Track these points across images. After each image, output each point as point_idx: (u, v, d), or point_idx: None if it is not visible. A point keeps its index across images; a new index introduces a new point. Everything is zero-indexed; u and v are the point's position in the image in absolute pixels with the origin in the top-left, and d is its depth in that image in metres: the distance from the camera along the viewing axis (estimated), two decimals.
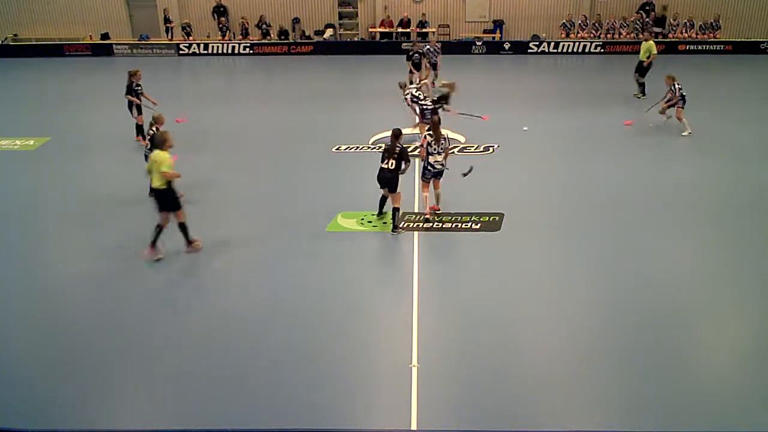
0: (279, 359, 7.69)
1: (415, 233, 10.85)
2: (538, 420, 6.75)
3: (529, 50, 25.83)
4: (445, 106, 14.63)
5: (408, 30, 26.82)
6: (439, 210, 11.45)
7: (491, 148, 14.68)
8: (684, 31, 25.57)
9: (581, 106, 18.26)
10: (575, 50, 25.62)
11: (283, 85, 23.51)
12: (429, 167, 11.11)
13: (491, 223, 11.20)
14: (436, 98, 14.64)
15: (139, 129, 15.47)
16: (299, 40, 27.34)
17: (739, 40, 25.23)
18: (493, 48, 26.03)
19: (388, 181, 10.86)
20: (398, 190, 10.87)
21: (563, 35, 25.84)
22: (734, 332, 8.44)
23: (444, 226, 11.08)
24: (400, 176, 10.83)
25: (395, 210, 10.90)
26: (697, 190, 12.59)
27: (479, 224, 11.13)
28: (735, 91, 20.31)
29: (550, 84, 21.85)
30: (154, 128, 11.93)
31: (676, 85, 15.42)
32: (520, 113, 17.49)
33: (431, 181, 11.29)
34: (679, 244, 10.46)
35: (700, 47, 25.19)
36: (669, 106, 15.65)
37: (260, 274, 9.71)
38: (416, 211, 11.63)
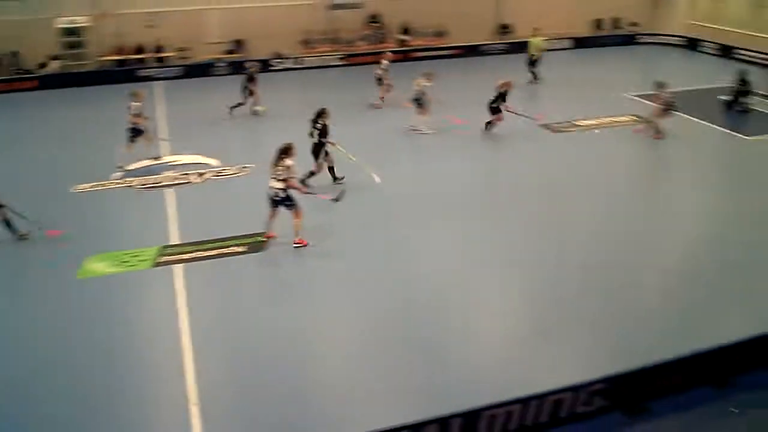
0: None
1: (177, 266, 10.24)
2: None
3: (272, 68, 25.95)
4: (502, 104, 15.83)
5: (144, 56, 25.51)
6: (304, 243, 10.70)
7: (246, 169, 14.38)
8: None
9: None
10: (318, 64, 26.28)
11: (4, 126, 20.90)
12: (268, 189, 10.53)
13: (256, 244, 10.93)
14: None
15: None
16: (17, 76, 24.61)
17: (467, 44, 27.72)
18: (238, 68, 25.75)
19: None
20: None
21: (304, 51, 26.36)
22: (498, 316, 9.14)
23: (208, 254, 10.59)
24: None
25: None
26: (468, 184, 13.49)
27: (244, 246, 10.81)
28: (466, 90, 22.03)
29: (301, 97, 22.11)
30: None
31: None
32: (275, 130, 17.40)
33: (275, 210, 10.67)
34: (441, 237, 11.14)
35: (432, 53, 27.21)
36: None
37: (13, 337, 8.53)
38: (175, 242, 11.00)
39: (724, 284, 9.54)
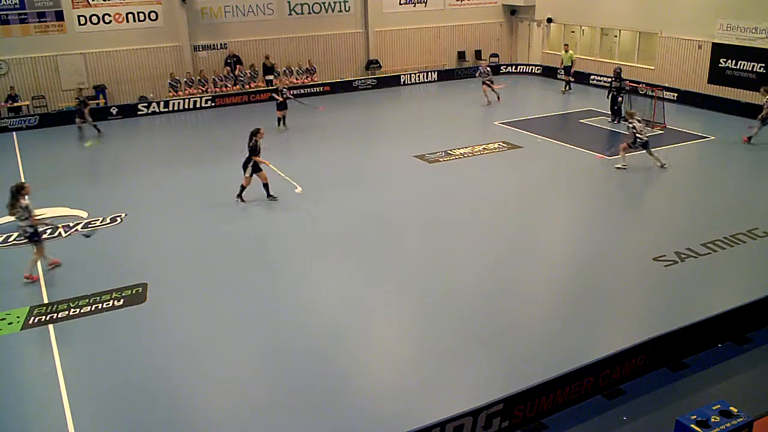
0: None
1: (50, 326, 9.73)
2: None
3: (138, 112, 25.25)
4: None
5: None
6: (35, 279, 11.21)
7: (118, 219, 13.88)
8: (285, 77, 27.62)
9: (201, 160, 18.41)
10: (186, 107, 25.82)
11: None
12: None
13: (135, 295, 10.59)
14: None
15: None
16: None
17: (335, 81, 28.27)
18: (100, 114, 24.84)
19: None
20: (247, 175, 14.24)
21: (172, 94, 25.86)
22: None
23: (82, 311, 10.13)
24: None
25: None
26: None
27: (122, 299, 10.45)
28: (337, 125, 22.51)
29: (169, 143, 21.64)
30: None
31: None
32: (144, 178, 16.97)
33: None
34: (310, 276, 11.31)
35: (302, 90, 27.49)
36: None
37: None
38: (46, 301, 10.46)
39: (608, 299, 10.25)
